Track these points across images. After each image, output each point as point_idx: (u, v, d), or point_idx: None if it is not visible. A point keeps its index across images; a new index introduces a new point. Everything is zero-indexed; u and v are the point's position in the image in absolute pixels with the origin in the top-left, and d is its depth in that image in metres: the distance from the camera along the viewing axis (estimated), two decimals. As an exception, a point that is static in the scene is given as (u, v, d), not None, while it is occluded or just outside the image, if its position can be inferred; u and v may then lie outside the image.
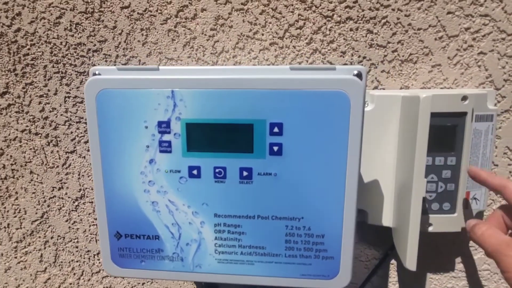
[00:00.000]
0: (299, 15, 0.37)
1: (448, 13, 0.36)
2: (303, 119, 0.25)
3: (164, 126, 0.26)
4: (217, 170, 0.27)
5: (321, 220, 0.27)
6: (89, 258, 0.46)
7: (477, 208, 0.37)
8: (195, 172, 0.27)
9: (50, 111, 0.42)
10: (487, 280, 0.42)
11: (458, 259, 0.41)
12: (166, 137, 0.26)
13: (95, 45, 0.39)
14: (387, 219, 0.37)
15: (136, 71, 0.27)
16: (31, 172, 0.44)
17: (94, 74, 0.27)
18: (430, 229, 0.36)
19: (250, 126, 0.25)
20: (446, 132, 0.34)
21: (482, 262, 0.41)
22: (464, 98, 0.33)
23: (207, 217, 0.27)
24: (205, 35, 0.38)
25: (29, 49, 0.40)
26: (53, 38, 0.39)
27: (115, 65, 0.40)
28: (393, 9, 0.36)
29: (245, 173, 0.26)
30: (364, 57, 0.37)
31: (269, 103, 0.25)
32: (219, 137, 0.26)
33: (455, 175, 0.35)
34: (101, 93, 0.26)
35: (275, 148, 0.26)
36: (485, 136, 0.35)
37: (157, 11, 0.38)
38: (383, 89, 0.38)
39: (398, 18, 0.36)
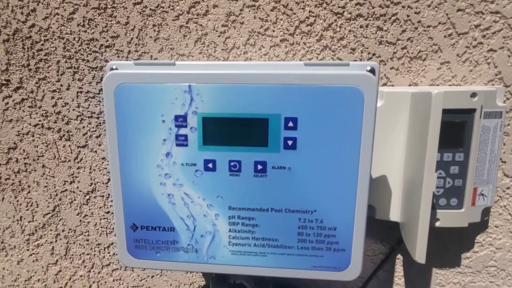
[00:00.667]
0: (310, 11, 0.37)
1: (458, 10, 0.36)
2: (317, 114, 0.26)
3: (181, 120, 0.27)
4: (232, 164, 0.27)
5: (333, 213, 0.27)
6: (99, 251, 0.47)
7: (484, 204, 0.37)
8: (210, 165, 0.27)
9: (63, 106, 0.42)
10: (494, 277, 0.42)
11: (464, 255, 0.42)
12: (182, 131, 0.27)
13: (107, 40, 0.40)
14: (394, 214, 0.37)
15: (153, 66, 0.27)
16: (43, 166, 0.45)
17: (111, 69, 0.28)
18: (437, 224, 0.36)
19: (265, 121, 0.26)
20: (454, 128, 0.34)
21: (488, 259, 0.42)
22: (473, 94, 0.33)
23: (221, 210, 0.28)
24: (217, 31, 0.38)
25: (42, 44, 0.41)
26: (66, 33, 0.40)
27: (127, 60, 0.40)
28: (403, 6, 0.36)
29: (259, 167, 0.27)
30: (374, 54, 0.38)
31: (284, 98, 0.26)
32: (234, 131, 0.26)
33: (463, 171, 0.35)
34: (120, 87, 0.26)
35: (290, 142, 0.26)
36: (493, 132, 0.35)
37: (169, 7, 0.38)
38: (392, 85, 0.38)
39: (408, 15, 0.36)
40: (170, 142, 0.27)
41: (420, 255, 0.31)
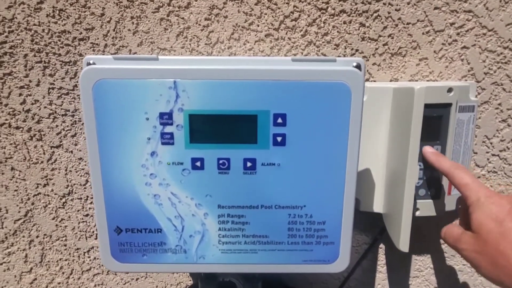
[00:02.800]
0: (294, 6, 0.37)
1: (435, 8, 0.37)
2: (305, 109, 0.26)
3: (166, 118, 0.26)
4: (220, 162, 0.27)
5: (322, 208, 0.28)
6: (78, 256, 0.45)
7: (459, 193, 0.39)
8: (198, 164, 0.27)
9: (32, 104, 0.39)
10: (465, 259, 0.45)
11: (442, 241, 0.44)
12: (168, 129, 0.26)
13: (81, 33, 0.37)
14: (378, 206, 0.39)
15: (134, 60, 0.26)
16: (12, 169, 0.42)
17: (89, 64, 0.26)
18: (417, 213, 0.38)
19: (254, 117, 0.26)
20: (432, 122, 0.36)
21: (461, 243, 0.44)
22: (450, 90, 0.35)
23: (210, 209, 0.28)
24: (199, 25, 0.37)
25: (7, 36, 0.37)
26: (34, 25, 0.37)
27: (103, 54, 0.38)
28: (384, 3, 0.37)
29: (249, 164, 0.27)
30: (357, 50, 0.38)
31: (273, 94, 0.25)
32: (222, 128, 0.26)
33: (440, 162, 0.37)
34: (98, 83, 0.25)
35: (279, 139, 0.26)
36: (467, 125, 0.37)
37: (148, -2, 0.37)
38: (374, 81, 0.39)
39: (389, 12, 0.37)
40: (155, 140, 0.26)
41: (404, 244, 0.33)
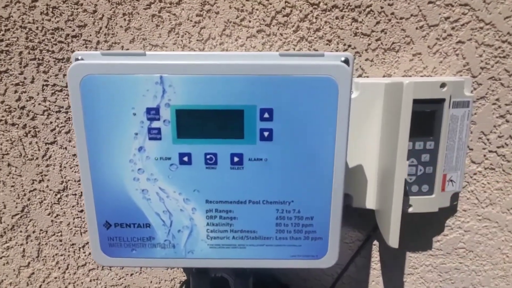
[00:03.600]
0: (286, 2, 0.37)
1: (429, 2, 0.37)
2: (292, 104, 0.26)
3: (153, 113, 0.26)
4: (208, 157, 0.27)
5: (310, 203, 0.28)
6: (74, 251, 0.45)
7: (453, 189, 0.39)
8: (185, 159, 0.27)
9: (27, 100, 0.40)
10: (463, 258, 0.45)
11: (436, 238, 0.44)
12: (155, 124, 0.26)
13: (74, 30, 0.38)
14: (370, 202, 0.38)
15: (122, 56, 0.26)
16: (8, 165, 0.42)
17: (77, 59, 0.26)
18: (410, 210, 0.38)
19: (241, 112, 0.26)
20: (425, 118, 0.35)
21: (457, 241, 0.44)
22: (443, 85, 0.35)
23: (198, 204, 0.28)
24: (191, 21, 0.37)
25: (3, 34, 0.38)
26: (29, 22, 0.37)
27: (96, 51, 0.38)
28: (377, -2, 0.37)
29: (236, 159, 0.27)
30: (350, 46, 0.38)
31: (259, 88, 0.25)
32: (209, 123, 0.26)
33: (433, 158, 0.37)
34: (86, 79, 0.25)
35: (266, 134, 0.26)
36: (461, 121, 0.37)
37: (140, -5, 0.37)
38: (367, 77, 0.39)
39: (381, 7, 0.37)
40: (143, 136, 0.26)
41: (393, 240, 0.32)
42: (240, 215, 0.28)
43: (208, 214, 0.28)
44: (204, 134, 0.26)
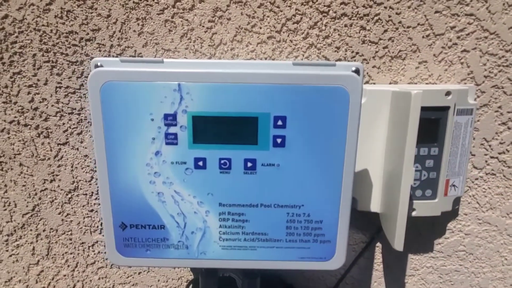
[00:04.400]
0: (296, 9, 0.37)
1: (436, 12, 0.38)
2: (305, 112, 0.26)
3: (170, 119, 0.27)
4: (222, 161, 0.28)
5: (320, 207, 0.29)
6: (83, 250, 0.46)
7: (455, 194, 0.40)
8: (200, 163, 0.28)
9: (40, 102, 0.41)
10: (463, 260, 0.46)
11: (437, 241, 0.45)
12: (172, 130, 0.27)
13: (88, 34, 0.38)
14: (375, 205, 0.40)
15: (140, 63, 0.27)
16: (20, 165, 0.43)
17: (96, 66, 0.27)
18: (414, 213, 0.39)
19: (255, 119, 0.27)
20: (430, 125, 0.36)
21: (458, 244, 0.45)
22: (448, 93, 0.36)
23: (212, 207, 0.29)
24: (203, 26, 0.38)
25: (17, 36, 0.38)
26: (43, 25, 0.38)
27: (109, 55, 0.39)
28: (385, 7, 0.38)
29: (249, 164, 0.27)
30: (357, 53, 0.39)
31: (274, 97, 0.26)
32: (224, 130, 0.27)
33: (437, 164, 0.38)
34: (106, 85, 0.26)
35: (279, 140, 0.27)
36: (464, 128, 0.38)
37: (153, 0, 0.37)
38: (374, 83, 0.40)
39: (389, 16, 0.38)
40: (160, 140, 0.27)
41: (398, 243, 0.33)
42: (252, 218, 0.29)
43: (221, 216, 0.29)
44: (219, 140, 0.27)
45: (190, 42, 0.39)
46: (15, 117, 0.41)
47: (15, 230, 0.45)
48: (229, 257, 0.30)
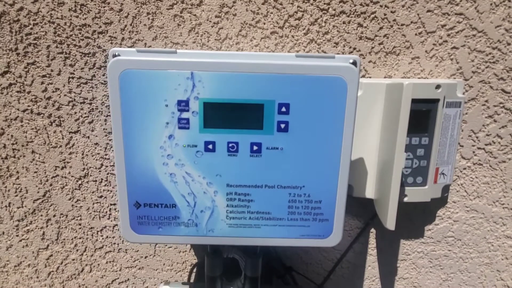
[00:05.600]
0: (298, 6, 0.40)
1: (428, 11, 0.40)
2: (307, 100, 0.29)
3: (183, 105, 0.29)
4: (230, 145, 0.30)
5: (319, 188, 0.31)
6: (92, 235, 0.48)
7: (444, 182, 0.43)
8: (210, 146, 0.30)
9: (53, 91, 0.43)
10: (452, 246, 0.49)
11: (427, 227, 0.48)
12: (184, 115, 0.29)
13: (100, 27, 0.40)
14: (370, 192, 0.42)
15: (155, 53, 0.29)
16: (32, 152, 0.45)
17: (114, 55, 0.29)
18: (405, 199, 0.41)
19: (261, 106, 0.29)
20: (421, 116, 0.39)
21: (447, 230, 0.48)
22: (438, 86, 0.38)
23: (220, 187, 0.31)
24: (210, 21, 0.40)
25: (31, 28, 0.40)
26: (57, 18, 0.40)
27: (120, 47, 0.41)
28: (381, 6, 0.40)
29: (255, 148, 0.30)
30: (355, 48, 0.41)
31: (278, 85, 0.29)
32: (232, 115, 0.29)
33: (427, 153, 0.40)
34: (124, 73, 0.28)
35: (282, 126, 0.29)
36: (453, 120, 0.41)
37: (163, -4, 0.39)
38: (370, 77, 0.42)
39: (385, 14, 0.40)
40: (173, 125, 0.29)
41: (390, 222, 0.36)
42: (257, 198, 0.31)
43: (228, 196, 0.31)
44: (228, 125, 0.29)
45: (198, 36, 0.41)
46: (28, 106, 0.43)
47: (25, 215, 0.47)
48: (235, 234, 0.32)
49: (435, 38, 0.41)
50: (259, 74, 0.28)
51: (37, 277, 0.50)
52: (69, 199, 0.47)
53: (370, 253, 0.49)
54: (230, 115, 0.29)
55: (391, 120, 0.37)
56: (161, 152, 0.30)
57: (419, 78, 0.43)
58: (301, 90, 0.29)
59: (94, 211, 0.47)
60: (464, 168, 0.46)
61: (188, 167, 0.30)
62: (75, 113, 0.43)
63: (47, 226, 0.48)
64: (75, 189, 0.46)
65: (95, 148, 0.45)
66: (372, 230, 0.48)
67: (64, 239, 0.48)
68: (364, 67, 0.42)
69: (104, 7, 0.40)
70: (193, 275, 0.48)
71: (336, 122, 0.29)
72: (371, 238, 0.49)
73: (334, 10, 0.40)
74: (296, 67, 0.28)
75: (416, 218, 0.47)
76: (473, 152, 0.45)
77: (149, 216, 0.31)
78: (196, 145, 0.30)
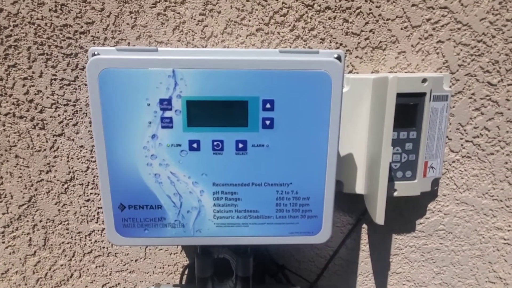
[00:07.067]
0: (283, 3, 0.40)
1: (413, 5, 0.40)
2: (291, 96, 0.29)
3: (165, 104, 0.28)
4: (215, 143, 0.29)
5: (307, 185, 0.31)
6: (80, 239, 0.47)
7: (434, 175, 0.43)
8: (195, 145, 0.29)
9: (35, 94, 0.42)
10: (443, 239, 0.49)
11: (418, 221, 0.48)
12: (167, 114, 0.29)
13: (82, 27, 0.40)
14: (360, 187, 0.42)
15: (136, 51, 0.29)
16: (16, 156, 0.44)
17: (94, 54, 0.28)
18: (395, 194, 0.41)
19: (245, 103, 0.29)
20: (408, 110, 0.39)
21: (438, 223, 0.48)
22: (424, 80, 0.38)
23: (206, 186, 0.30)
24: (194, 19, 0.40)
25: (11, 30, 0.39)
26: (37, 19, 0.39)
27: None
28: (366, 1, 0.40)
29: (240, 145, 0.29)
30: (341, 44, 0.41)
31: (262, 81, 0.28)
32: (217, 113, 0.29)
33: (416, 147, 0.40)
34: (104, 72, 0.27)
35: (267, 122, 0.29)
36: (441, 113, 0.41)
37: (146, -6, 0.39)
38: (357, 73, 0.42)
39: (370, 9, 0.40)
40: (156, 124, 0.29)
41: (379, 217, 0.36)
42: (244, 196, 0.31)
43: (215, 195, 0.31)
44: (212, 123, 0.29)
45: (182, 34, 0.40)
46: (11, 109, 0.42)
47: (11, 222, 0.46)
48: (223, 234, 0.32)
49: (420, 32, 0.41)
50: (242, 70, 0.28)
51: (25, 284, 0.49)
52: (55, 204, 0.46)
53: (362, 249, 0.49)
54: (214, 113, 0.29)
55: (378, 115, 0.37)
56: (145, 153, 0.29)
57: (406, 72, 0.43)
58: (286, 86, 0.28)
59: (82, 215, 0.46)
60: (453, 161, 0.46)
61: (172, 167, 0.30)
62: (59, 115, 0.42)
63: (33, 232, 0.47)
64: (61, 193, 0.45)
65: (80, 151, 0.44)
66: (364, 225, 0.48)
67: (51, 244, 0.47)
68: (351, 63, 0.42)
69: (85, 6, 0.39)
70: (185, 277, 0.47)
71: (322, 117, 0.29)
72: (363, 233, 0.49)
73: (319, 5, 0.40)
74: (279, 63, 0.28)
75: (407, 212, 0.47)
76: (461, 145, 0.45)
77: (134, 218, 0.31)
78: (180, 144, 0.29)
